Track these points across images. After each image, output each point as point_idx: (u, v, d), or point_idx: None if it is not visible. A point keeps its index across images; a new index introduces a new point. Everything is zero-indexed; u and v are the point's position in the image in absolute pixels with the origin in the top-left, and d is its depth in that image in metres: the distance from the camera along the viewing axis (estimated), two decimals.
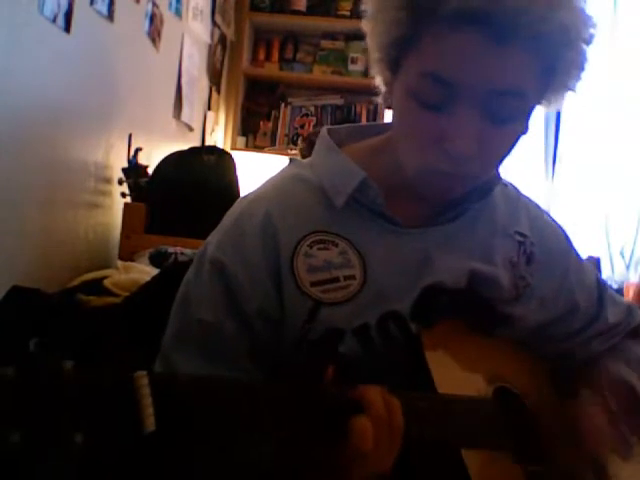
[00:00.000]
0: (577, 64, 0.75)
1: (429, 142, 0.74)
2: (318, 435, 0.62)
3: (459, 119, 0.72)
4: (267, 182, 0.88)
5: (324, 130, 0.90)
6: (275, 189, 0.85)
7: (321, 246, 0.80)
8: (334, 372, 0.66)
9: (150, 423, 0.52)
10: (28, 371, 0.48)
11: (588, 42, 0.74)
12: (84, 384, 0.50)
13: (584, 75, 0.76)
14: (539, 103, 0.78)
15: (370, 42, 0.79)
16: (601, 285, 0.98)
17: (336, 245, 0.80)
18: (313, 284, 0.78)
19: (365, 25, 0.78)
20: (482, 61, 0.70)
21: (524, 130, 0.77)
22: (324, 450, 0.63)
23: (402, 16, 0.72)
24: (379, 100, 0.83)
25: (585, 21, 0.72)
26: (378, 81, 0.82)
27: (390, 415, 0.65)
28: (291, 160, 0.91)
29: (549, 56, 0.72)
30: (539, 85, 0.74)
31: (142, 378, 0.53)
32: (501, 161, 0.79)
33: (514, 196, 0.94)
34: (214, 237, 0.82)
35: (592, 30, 0.73)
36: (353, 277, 0.79)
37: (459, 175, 0.76)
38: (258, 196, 0.84)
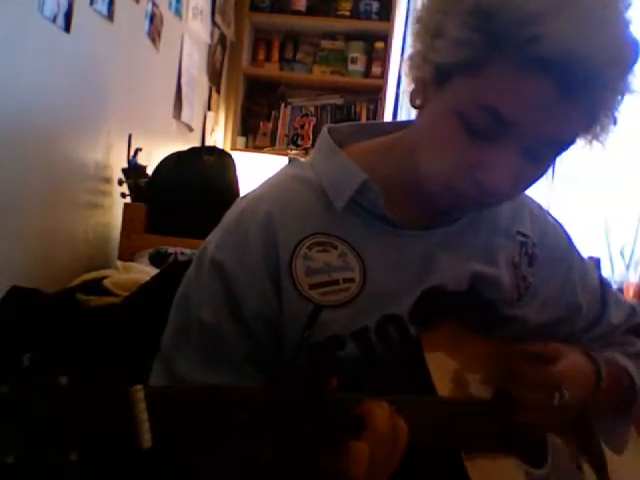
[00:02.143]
0: (613, 118, 0.76)
1: (462, 166, 0.73)
2: (317, 447, 0.61)
3: (502, 154, 0.72)
4: (267, 181, 0.87)
5: (325, 129, 0.88)
6: (276, 189, 0.84)
7: (320, 248, 0.79)
8: (338, 382, 0.64)
9: (147, 439, 0.51)
10: (21, 388, 0.47)
11: (624, 95, 0.74)
12: (78, 401, 0.49)
13: (613, 129, 0.77)
14: None
15: (420, 44, 0.75)
16: (604, 286, 0.97)
17: (335, 247, 0.79)
18: (312, 286, 0.77)
19: (423, 27, 0.74)
20: (548, 111, 0.69)
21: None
22: (322, 459, 0.62)
23: (475, 39, 0.68)
24: (401, 93, 0.81)
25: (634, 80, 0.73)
26: (408, 73, 0.78)
27: (394, 435, 0.64)
28: (291, 160, 0.90)
29: (600, 113, 0.73)
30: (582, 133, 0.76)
31: (138, 392, 0.51)
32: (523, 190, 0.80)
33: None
34: (214, 236, 0.82)
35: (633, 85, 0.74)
36: (352, 280, 0.79)
37: (481, 202, 0.76)
38: (258, 196, 0.83)
